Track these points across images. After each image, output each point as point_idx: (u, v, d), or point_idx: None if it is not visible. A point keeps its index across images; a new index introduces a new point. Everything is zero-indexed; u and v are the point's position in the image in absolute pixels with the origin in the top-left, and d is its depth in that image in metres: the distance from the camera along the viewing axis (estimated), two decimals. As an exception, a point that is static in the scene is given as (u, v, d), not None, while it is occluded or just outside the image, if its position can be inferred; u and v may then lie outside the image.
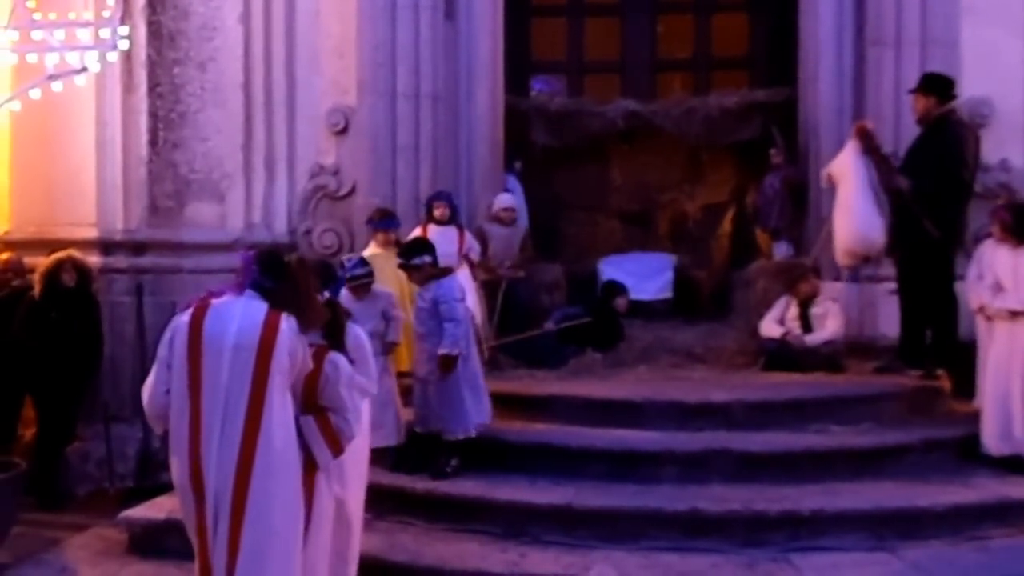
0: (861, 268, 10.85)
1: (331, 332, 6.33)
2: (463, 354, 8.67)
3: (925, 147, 9.83)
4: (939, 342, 9.87)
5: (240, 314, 5.54)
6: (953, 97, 9.96)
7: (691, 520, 7.72)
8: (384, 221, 10.54)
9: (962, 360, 9.46)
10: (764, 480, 8.26)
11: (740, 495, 7.96)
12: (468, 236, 11.02)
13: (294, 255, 5.96)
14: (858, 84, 11.34)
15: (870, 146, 10.00)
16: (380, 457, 8.13)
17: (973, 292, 9.07)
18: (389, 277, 9.48)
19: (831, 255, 10.61)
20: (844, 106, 11.45)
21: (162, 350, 5.66)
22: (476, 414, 8.76)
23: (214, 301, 5.62)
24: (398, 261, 8.98)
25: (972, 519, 7.80)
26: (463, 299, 8.90)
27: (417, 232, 10.39)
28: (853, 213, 9.99)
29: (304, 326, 5.69)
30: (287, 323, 5.52)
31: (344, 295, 8.20)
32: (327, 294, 6.46)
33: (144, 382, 5.77)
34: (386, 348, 8.86)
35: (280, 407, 5.51)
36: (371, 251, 10.22)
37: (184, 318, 5.59)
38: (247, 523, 5.43)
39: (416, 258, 8.79)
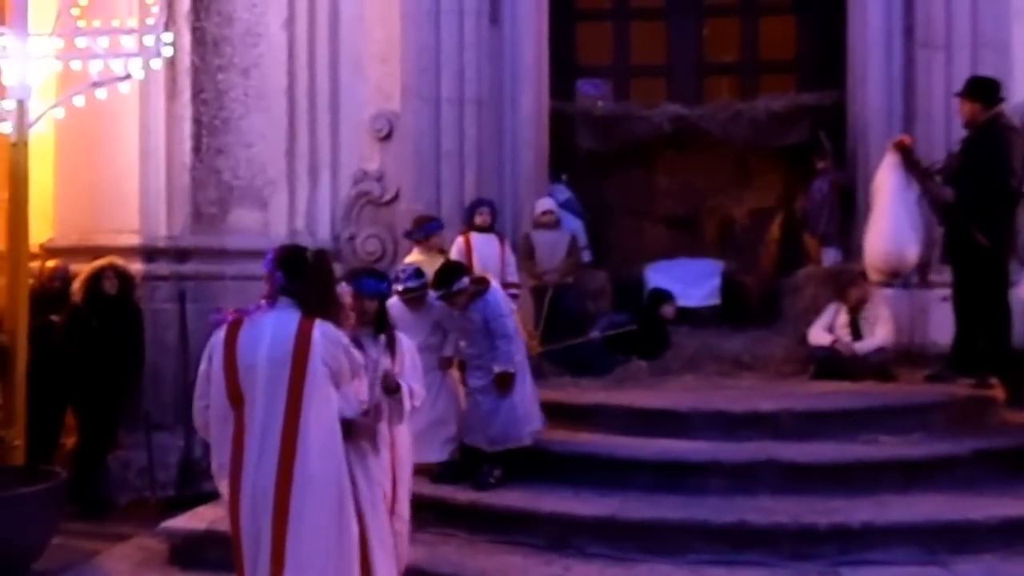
0: (912, 274, 10.66)
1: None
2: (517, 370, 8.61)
3: (971, 153, 9.65)
4: (992, 351, 9.69)
5: (272, 326, 5.50)
6: (1000, 101, 9.76)
7: (738, 532, 7.59)
8: (422, 229, 10.44)
9: (1016, 369, 9.28)
10: (812, 491, 8.11)
11: (788, 507, 7.84)
12: (508, 246, 10.94)
13: (311, 250, 5.85)
14: (908, 87, 11.21)
15: (910, 161, 9.82)
16: (424, 468, 8.05)
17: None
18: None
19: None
20: (893, 109, 11.33)
21: (203, 363, 5.67)
22: (527, 422, 8.69)
23: (248, 316, 5.58)
24: (436, 294, 8.76)
25: (1026, 533, 7.64)
26: (511, 313, 8.82)
27: (459, 240, 10.31)
28: (882, 230, 9.85)
29: (337, 321, 5.66)
30: (320, 330, 5.47)
31: (397, 305, 8.16)
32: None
33: (186, 390, 5.77)
34: (442, 363, 8.78)
35: (317, 417, 5.45)
36: (414, 258, 10.13)
37: (221, 334, 5.57)
38: (290, 535, 5.41)
39: (456, 284, 8.63)
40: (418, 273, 8.89)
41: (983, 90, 9.75)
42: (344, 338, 5.63)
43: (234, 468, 5.47)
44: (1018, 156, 9.61)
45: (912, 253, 9.81)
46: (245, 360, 5.46)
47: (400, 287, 8.55)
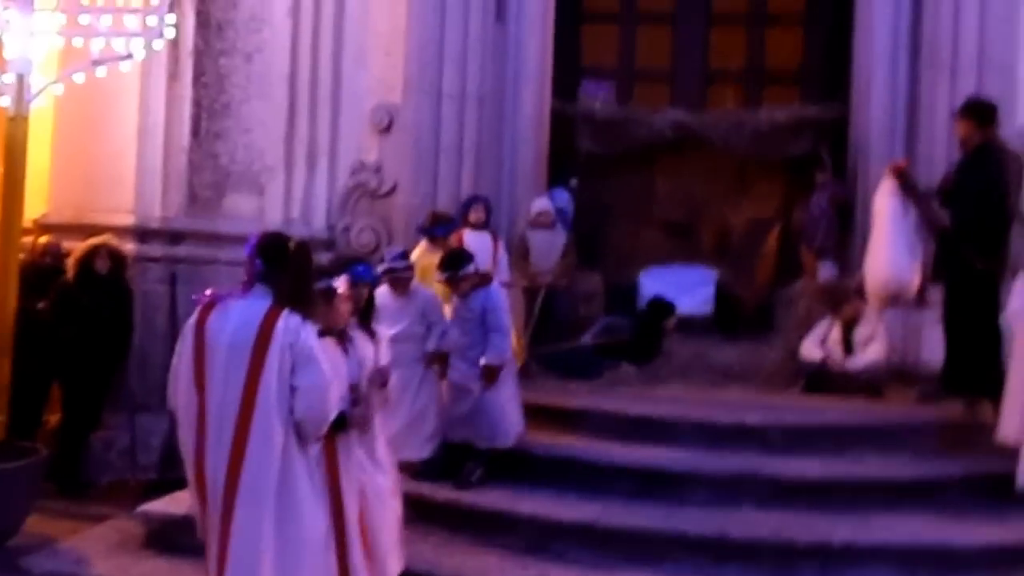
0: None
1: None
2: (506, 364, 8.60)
3: (965, 174, 9.61)
4: (983, 374, 9.64)
5: (240, 312, 5.48)
6: (996, 122, 9.72)
7: (718, 545, 7.59)
8: (444, 227, 10.36)
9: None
10: (796, 507, 8.10)
11: (770, 521, 7.83)
12: (501, 245, 10.86)
13: (294, 241, 5.80)
14: (911, 105, 11.17)
15: (906, 184, 9.80)
16: (405, 465, 8.01)
17: (1021, 322, 8.83)
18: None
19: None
20: (896, 127, 11.29)
21: (179, 344, 5.68)
22: (513, 423, 8.68)
23: (221, 300, 5.55)
24: (441, 276, 8.81)
25: (1008, 560, 7.58)
26: (508, 310, 8.82)
27: (452, 235, 10.27)
28: (882, 257, 9.82)
29: (308, 315, 5.59)
30: (285, 321, 5.42)
31: (381, 292, 8.12)
32: (332, 284, 6.28)
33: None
34: (428, 358, 8.75)
35: (277, 405, 5.39)
36: (421, 252, 10.09)
37: (192, 318, 5.57)
38: (234, 525, 5.39)
39: (463, 269, 8.67)
40: (404, 255, 8.98)
41: (979, 111, 9.71)
42: (311, 333, 5.56)
43: (197, 452, 5.47)
44: (1012, 179, 9.60)
45: (912, 279, 9.78)
46: (210, 344, 5.45)
47: (386, 266, 8.54)
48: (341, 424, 5.76)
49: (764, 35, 14.04)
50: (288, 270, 5.60)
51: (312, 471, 5.62)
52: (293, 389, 5.42)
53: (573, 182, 13.04)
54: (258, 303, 5.49)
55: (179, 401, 5.59)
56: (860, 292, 10.89)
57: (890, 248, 9.76)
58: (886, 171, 10.01)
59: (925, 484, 8.46)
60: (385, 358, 6.58)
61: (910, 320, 10.75)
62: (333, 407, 5.64)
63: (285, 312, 5.44)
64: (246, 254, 5.67)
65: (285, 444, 5.41)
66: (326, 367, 5.55)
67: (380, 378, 6.38)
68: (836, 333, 10.93)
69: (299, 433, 5.47)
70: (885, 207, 9.84)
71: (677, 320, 12.04)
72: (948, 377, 9.91)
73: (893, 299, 10.06)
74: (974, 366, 9.69)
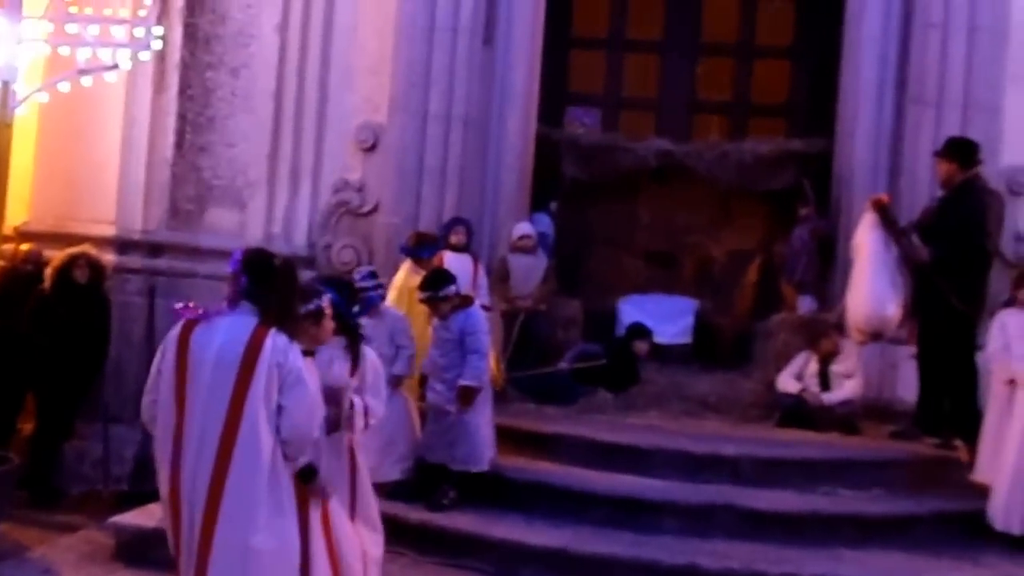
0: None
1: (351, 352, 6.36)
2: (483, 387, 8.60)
3: (947, 213, 9.66)
4: (958, 412, 9.66)
5: (227, 329, 5.41)
6: (978, 163, 9.76)
7: (689, 574, 7.55)
8: (429, 249, 10.21)
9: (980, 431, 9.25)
10: (767, 539, 8.08)
11: (741, 553, 7.80)
12: (481, 268, 10.85)
13: (279, 258, 5.76)
14: (895, 141, 11.22)
15: (887, 219, 9.82)
16: (378, 486, 7.97)
17: (1000, 363, 8.84)
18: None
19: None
20: (880, 162, 11.33)
21: (157, 357, 5.60)
22: (488, 447, 8.70)
23: (206, 316, 5.50)
24: (422, 295, 8.80)
25: (980, 598, 7.61)
26: (488, 333, 8.81)
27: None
28: (863, 292, 9.81)
29: (293, 335, 5.54)
30: (273, 340, 5.37)
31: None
32: (321, 304, 6.23)
33: (147, 386, 5.74)
34: (393, 381, 8.71)
35: (265, 423, 5.32)
36: (404, 273, 10.05)
37: (176, 330, 5.49)
38: (216, 540, 5.31)
39: (443, 289, 8.66)
40: (373, 275, 9.00)
41: (962, 151, 9.77)
42: (298, 353, 5.53)
43: (173, 468, 5.39)
44: (993, 218, 9.63)
45: (894, 314, 9.77)
46: (195, 359, 5.38)
47: (356, 286, 8.50)
48: (309, 476, 5.68)
49: (751, 67, 14.12)
50: (275, 288, 5.56)
51: (291, 490, 5.59)
52: (279, 408, 5.39)
53: (553, 205, 13.04)
54: (245, 320, 5.43)
55: (157, 416, 5.50)
56: (839, 327, 10.92)
57: (872, 282, 9.76)
58: (867, 205, 10.04)
59: (897, 520, 8.46)
60: (362, 380, 6.52)
61: (886, 356, 10.76)
62: (317, 428, 5.61)
63: (272, 331, 5.41)
64: (231, 270, 5.61)
65: (272, 462, 5.38)
66: (313, 388, 5.53)
67: (333, 396, 6.31)
68: (813, 367, 10.93)
69: (284, 453, 5.45)
70: (867, 241, 9.85)
71: (650, 345, 12.01)
72: (921, 415, 9.94)
73: (875, 334, 10.06)
74: (950, 405, 9.74)
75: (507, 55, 11.82)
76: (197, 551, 5.34)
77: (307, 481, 5.59)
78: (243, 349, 5.32)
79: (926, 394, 9.88)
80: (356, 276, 8.94)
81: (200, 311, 5.57)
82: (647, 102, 14.34)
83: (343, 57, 11.72)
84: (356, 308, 6.99)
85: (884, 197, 10.11)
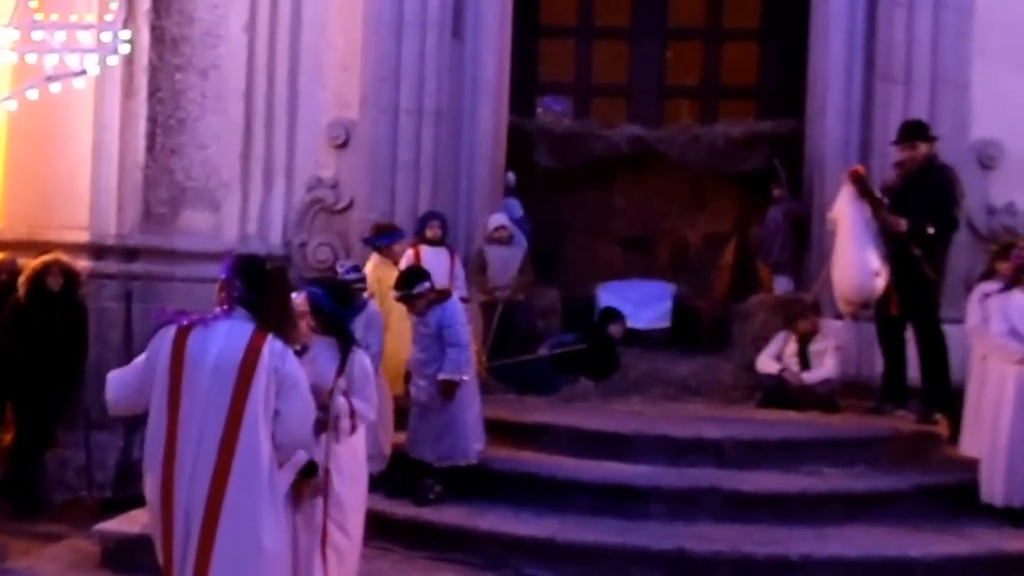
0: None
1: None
2: (464, 380, 8.57)
3: (917, 189, 9.77)
4: (934, 386, 9.72)
5: (224, 335, 5.42)
6: (935, 137, 9.95)
7: (677, 559, 7.60)
8: (386, 236, 10.25)
9: (960, 405, 9.29)
10: (753, 521, 8.12)
11: (728, 535, 7.83)
12: (458, 261, 10.86)
13: (272, 263, 5.76)
14: (865, 119, 11.24)
15: (864, 190, 9.87)
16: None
17: (980, 338, 8.86)
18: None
19: (831, 293, 10.45)
20: (850, 141, 11.35)
21: (141, 356, 5.62)
22: (475, 439, 8.67)
23: (200, 322, 5.49)
24: (397, 294, 8.77)
25: (964, 571, 7.66)
26: (467, 324, 8.79)
27: (408, 252, 10.23)
28: (849, 262, 9.90)
29: (289, 340, 5.56)
30: (271, 345, 5.38)
31: None
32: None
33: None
34: None
35: (264, 428, 5.35)
36: (372, 266, 10.01)
37: (169, 334, 5.48)
38: (218, 545, 5.31)
39: (417, 287, 8.62)
40: (356, 268, 9.00)
41: (924, 130, 9.96)
42: (293, 357, 5.54)
43: (165, 474, 5.38)
44: (959, 189, 9.75)
45: (881, 283, 9.82)
46: (191, 365, 5.38)
47: (339, 279, 8.49)
48: (310, 471, 5.70)
49: (720, 50, 14.12)
50: (270, 293, 5.57)
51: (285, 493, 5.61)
52: (276, 413, 5.40)
53: (510, 175, 12.85)
54: (242, 326, 5.43)
55: (150, 419, 5.48)
56: (815, 307, 10.96)
57: (856, 254, 9.82)
58: (844, 177, 10.08)
59: (881, 496, 8.51)
60: (350, 380, 6.49)
61: (864, 333, 10.79)
62: (311, 431, 5.63)
63: (270, 336, 5.41)
64: (223, 276, 5.59)
65: (270, 465, 5.39)
66: (307, 392, 5.55)
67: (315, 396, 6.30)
68: (792, 347, 10.95)
69: (277, 456, 5.46)
70: (846, 213, 9.91)
71: (625, 327, 12.02)
72: (888, 386, 10.05)
73: (864, 304, 10.11)
74: (924, 379, 9.80)
75: (476, 47, 11.81)
76: (196, 555, 5.33)
77: (308, 475, 5.66)
78: (242, 355, 5.34)
79: (892, 365, 10.02)
80: (340, 270, 8.93)
81: (183, 317, 5.56)
82: (618, 88, 14.35)
83: (312, 54, 11.69)
84: (350, 309, 6.94)
85: (861, 169, 10.15)
